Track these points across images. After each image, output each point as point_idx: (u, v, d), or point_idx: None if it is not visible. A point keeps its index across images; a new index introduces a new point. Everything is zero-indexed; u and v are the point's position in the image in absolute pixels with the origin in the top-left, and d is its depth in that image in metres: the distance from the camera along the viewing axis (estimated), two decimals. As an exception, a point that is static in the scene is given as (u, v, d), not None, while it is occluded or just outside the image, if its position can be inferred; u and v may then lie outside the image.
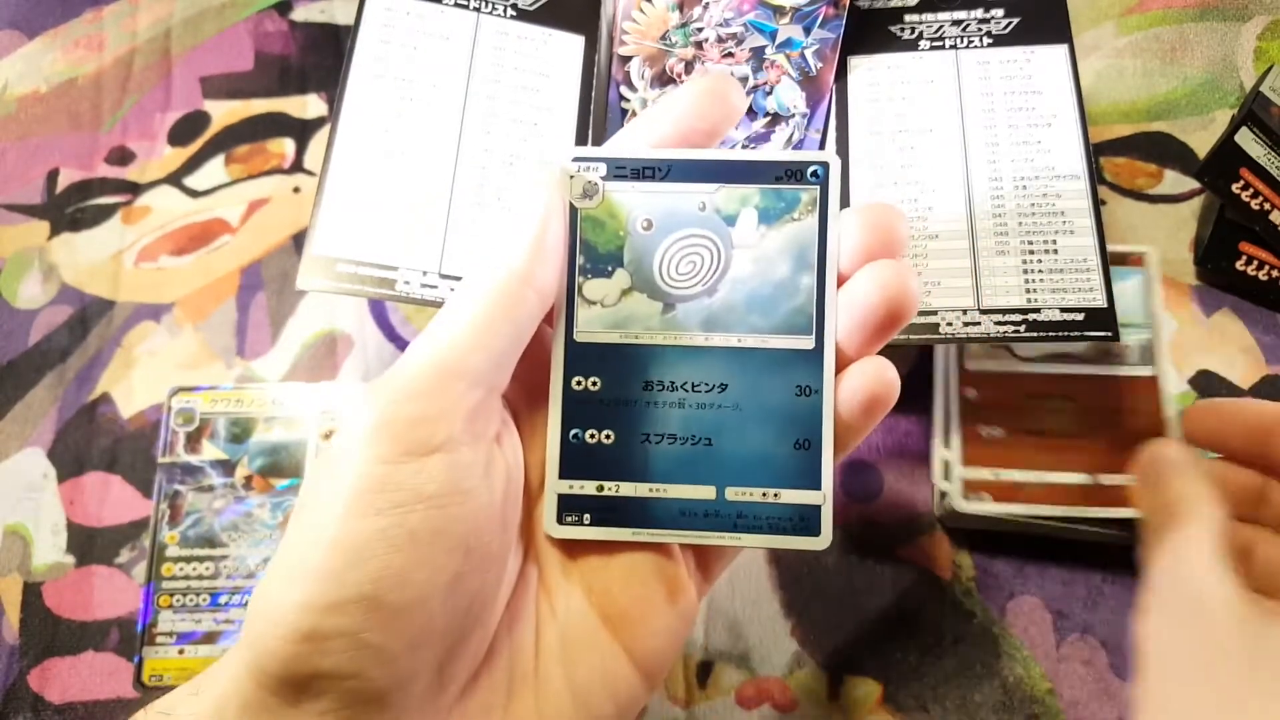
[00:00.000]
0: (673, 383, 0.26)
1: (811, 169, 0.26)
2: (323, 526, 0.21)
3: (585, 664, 0.25)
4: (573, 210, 0.26)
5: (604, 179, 0.26)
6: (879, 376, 0.25)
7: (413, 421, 0.22)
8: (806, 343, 0.25)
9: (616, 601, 0.26)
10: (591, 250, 0.26)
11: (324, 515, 0.21)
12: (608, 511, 0.26)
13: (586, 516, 0.26)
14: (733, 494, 0.26)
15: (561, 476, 0.26)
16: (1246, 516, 0.32)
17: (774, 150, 0.27)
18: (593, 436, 0.26)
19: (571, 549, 0.26)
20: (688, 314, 0.26)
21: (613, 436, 0.26)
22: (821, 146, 0.42)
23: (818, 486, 0.25)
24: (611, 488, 0.26)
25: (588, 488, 0.26)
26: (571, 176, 0.26)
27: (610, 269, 0.26)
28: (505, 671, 0.25)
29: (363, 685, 0.21)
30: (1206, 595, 0.25)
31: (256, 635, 0.21)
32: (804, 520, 0.25)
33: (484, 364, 0.23)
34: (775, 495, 0.26)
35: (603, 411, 0.26)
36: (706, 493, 0.26)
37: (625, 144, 0.26)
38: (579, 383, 0.26)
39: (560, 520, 0.26)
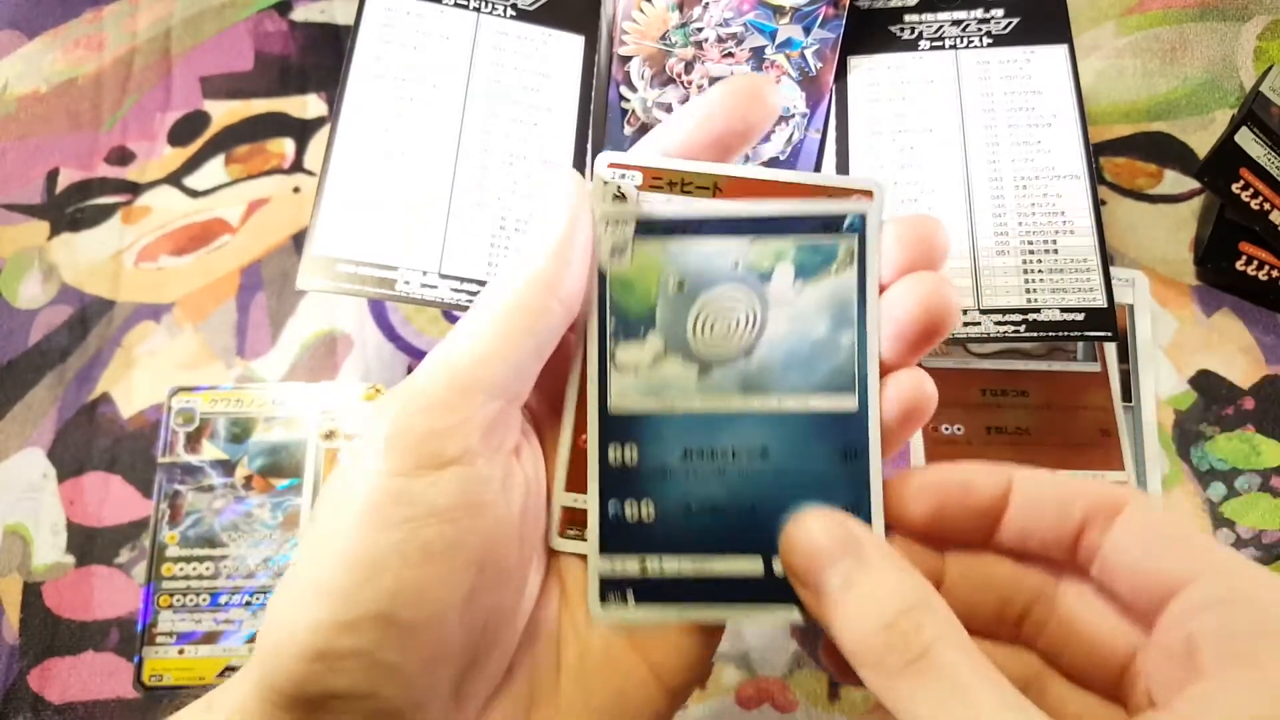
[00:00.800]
0: (713, 450, 0.24)
1: (849, 220, 0.24)
2: (335, 542, 0.20)
3: (609, 683, 0.24)
4: (600, 276, 0.25)
5: (639, 189, 0.25)
6: (917, 389, 0.24)
7: (427, 434, 0.21)
8: (849, 403, 0.24)
9: None
10: (622, 313, 0.25)
11: (336, 530, 0.21)
12: (653, 590, 0.24)
13: (630, 596, 0.24)
14: (779, 566, 0.24)
15: (603, 552, 0.24)
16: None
17: (808, 203, 0.25)
18: (632, 510, 0.25)
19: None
20: (725, 377, 0.24)
21: (653, 509, 0.25)
22: (821, 146, 0.42)
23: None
24: (655, 565, 0.24)
25: (630, 566, 0.24)
26: (605, 183, 0.25)
27: (643, 332, 0.25)
28: (526, 690, 0.24)
29: (378, 705, 0.20)
30: None
31: (269, 653, 0.20)
32: None
33: (504, 376, 0.22)
34: None
35: (642, 484, 0.25)
36: (753, 565, 0.24)
37: (656, 148, 0.25)
38: (616, 454, 0.25)
39: (604, 600, 0.24)
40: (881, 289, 0.25)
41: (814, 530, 0.22)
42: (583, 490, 0.25)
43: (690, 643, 0.25)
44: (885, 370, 0.25)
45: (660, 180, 0.25)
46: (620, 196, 0.25)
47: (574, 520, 0.25)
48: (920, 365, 0.25)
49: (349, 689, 0.20)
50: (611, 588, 0.24)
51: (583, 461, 0.25)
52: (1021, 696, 0.19)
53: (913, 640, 0.20)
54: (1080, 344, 0.43)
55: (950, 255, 0.25)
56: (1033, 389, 0.41)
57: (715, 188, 0.25)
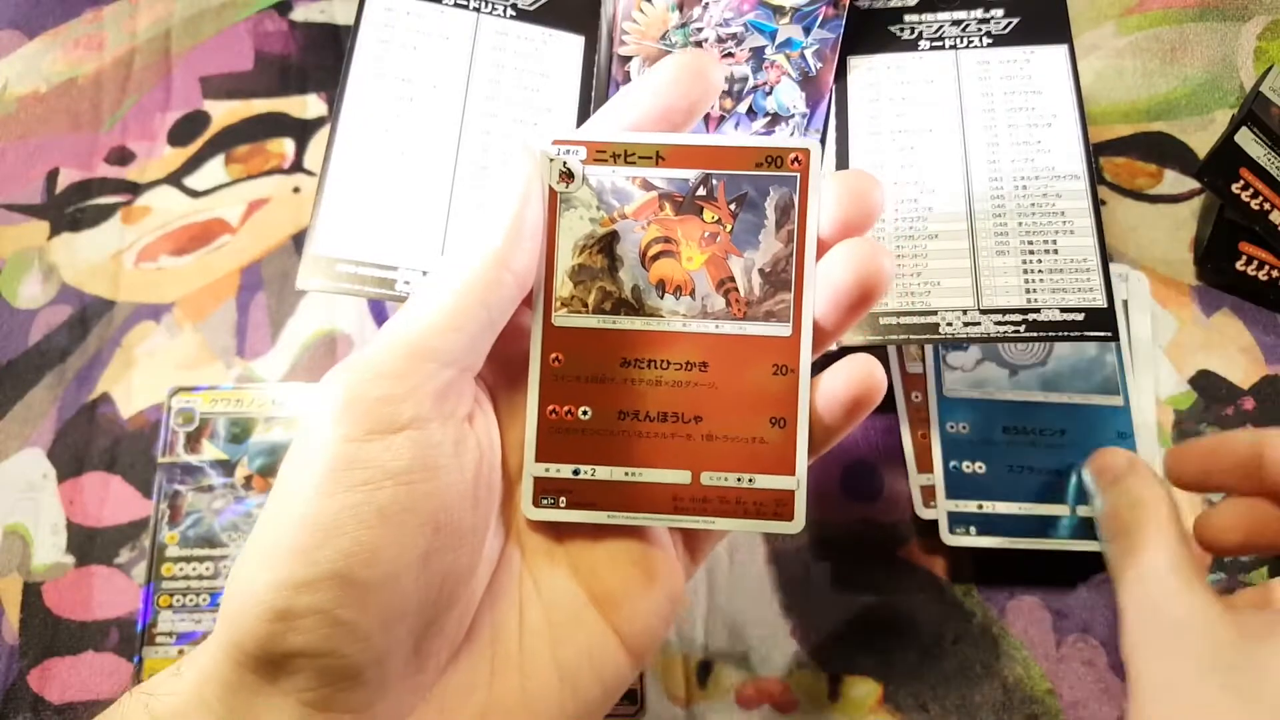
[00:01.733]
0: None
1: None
2: (293, 505, 0.21)
3: (572, 643, 0.25)
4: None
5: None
6: (865, 376, 0.25)
7: (380, 400, 0.22)
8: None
9: (604, 581, 0.26)
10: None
11: (294, 495, 0.21)
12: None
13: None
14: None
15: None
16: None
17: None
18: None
19: (556, 529, 0.26)
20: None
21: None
22: (821, 146, 0.42)
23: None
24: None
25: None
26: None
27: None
28: (488, 651, 0.25)
29: (337, 663, 0.21)
30: (1182, 618, 0.25)
31: (233, 615, 0.21)
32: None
33: (456, 345, 0.23)
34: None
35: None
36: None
37: (603, 125, 0.26)
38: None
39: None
40: (821, 246, 0.26)
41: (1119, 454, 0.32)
42: (554, 460, 0.26)
43: (652, 604, 0.26)
44: (823, 336, 0.26)
45: (604, 153, 0.26)
46: (567, 172, 0.26)
47: (547, 489, 0.26)
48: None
49: (308, 647, 0.21)
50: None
51: (551, 432, 0.26)
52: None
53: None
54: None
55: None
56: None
57: (658, 157, 0.26)
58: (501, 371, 0.27)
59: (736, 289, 0.26)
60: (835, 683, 0.40)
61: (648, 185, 0.26)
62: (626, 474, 0.26)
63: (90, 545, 0.43)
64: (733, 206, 0.26)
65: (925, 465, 0.41)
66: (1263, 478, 0.29)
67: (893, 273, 0.25)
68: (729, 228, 0.26)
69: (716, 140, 0.27)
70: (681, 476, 0.26)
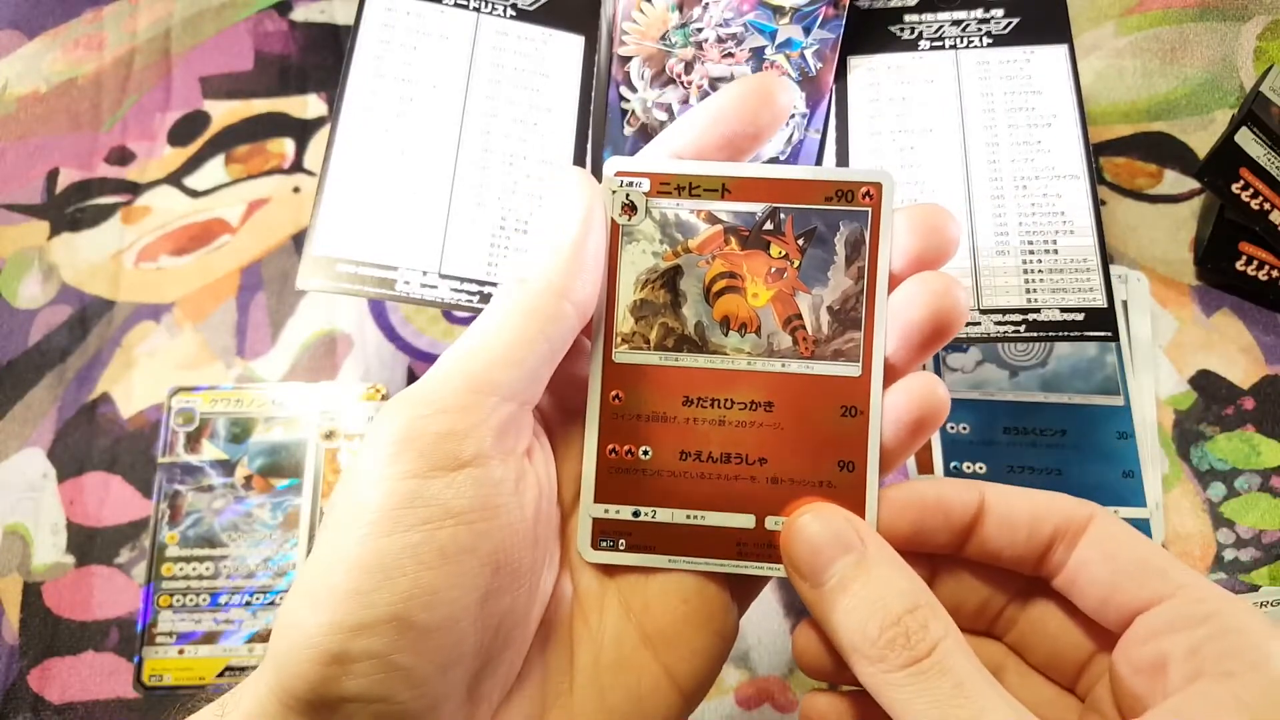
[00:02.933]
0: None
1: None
2: (348, 544, 0.20)
3: (623, 684, 0.24)
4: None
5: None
6: (928, 395, 0.24)
7: (441, 435, 0.21)
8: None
9: (656, 620, 0.25)
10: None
11: (349, 533, 0.20)
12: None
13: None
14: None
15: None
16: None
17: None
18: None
19: (608, 567, 0.26)
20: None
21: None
22: (821, 146, 0.42)
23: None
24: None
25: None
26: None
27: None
28: (539, 691, 0.24)
29: (392, 709, 0.20)
30: None
31: (282, 657, 0.20)
32: None
33: (517, 378, 0.22)
34: None
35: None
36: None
37: (665, 152, 0.26)
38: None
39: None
40: (892, 280, 0.25)
41: (815, 526, 0.23)
42: (614, 501, 0.25)
43: (704, 643, 0.25)
44: (893, 373, 0.25)
45: (668, 185, 0.25)
46: (630, 205, 0.25)
47: (606, 531, 0.25)
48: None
49: (363, 692, 0.20)
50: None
51: (611, 472, 0.25)
52: (1018, 704, 0.20)
53: (918, 640, 0.21)
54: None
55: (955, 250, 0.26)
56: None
57: (724, 189, 0.25)
58: (557, 404, 0.26)
59: (804, 327, 0.25)
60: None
61: (713, 219, 0.25)
62: (688, 517, 0.25)
63: (90, 545, 0.43)
64: (801, 242, 0.25)
65: (926, 466, 0.41)
66: (969, 542, 0.24)
67: (967, 305, 0.24)
68: (797, 264, 0.25)
69: (785, 173, 0.25)
70: (745, 521, 0.25)
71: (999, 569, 0.25)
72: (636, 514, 0.25)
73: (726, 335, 0.25)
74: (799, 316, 0.25)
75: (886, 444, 0.25)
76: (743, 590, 0.27)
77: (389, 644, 0.20)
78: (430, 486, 0.21)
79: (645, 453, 0.25)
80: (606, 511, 0.25)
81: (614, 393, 0.25)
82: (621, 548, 0.25)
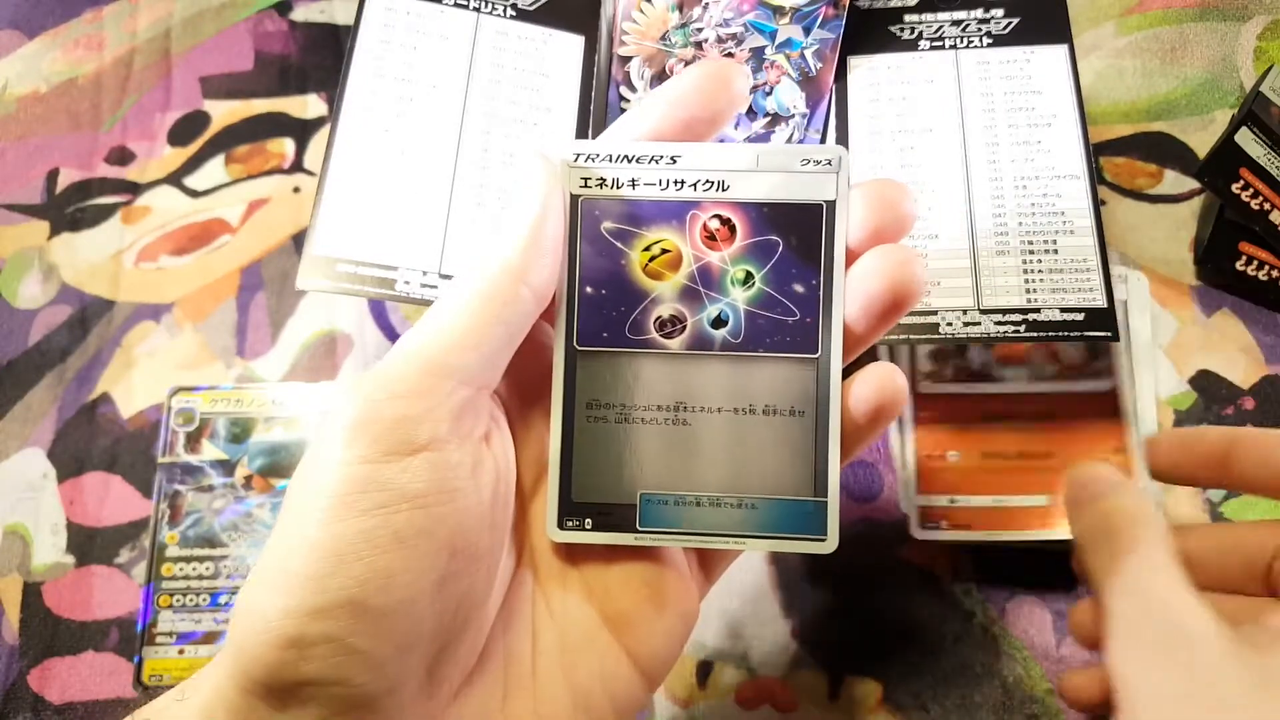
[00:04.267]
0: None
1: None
2: (305, 529, 0.20)
3: (585, 665, 0.25)
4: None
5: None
6: (887, 384, 0.25)
7: (397, 420, 0.21)
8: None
9: (617, 602, 0.25)
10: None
11: (306, 517, 0.21)
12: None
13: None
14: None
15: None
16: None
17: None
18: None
19: (570, 551, 0.26)
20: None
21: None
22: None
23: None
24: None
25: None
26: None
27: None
28: (500, 674, 0.24)
29: (350, 691, 0.20)
30: (1186, 627, 0.23)
31: (241, 641, 0.21)
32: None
33: (474, 363, 0.22)
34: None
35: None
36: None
37: (623, 134, 0.26)
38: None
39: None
40: (850, 255, 0.25)
41: (1101, 470, 0.27)
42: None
43: (666, 625, 0.25)
44: (852, 340, 0.25)
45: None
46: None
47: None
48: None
49: (321, 676, 0.20)
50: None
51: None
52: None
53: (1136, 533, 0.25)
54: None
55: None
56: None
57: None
58: (515, 388, 0.26)
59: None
60: (835, 683, 0.40)
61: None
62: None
63: (90, 545, 0.43)
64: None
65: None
66: (1228, 472, 0.27)
67: (924, 278, 0.24)
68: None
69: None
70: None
71: (1257, 527, 0.27)
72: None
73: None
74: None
75: (848, 428, 0.25)
76: (706, 568, 0.28)
77: (345, 627, 0.20)
78: (385, 471, 0.21)
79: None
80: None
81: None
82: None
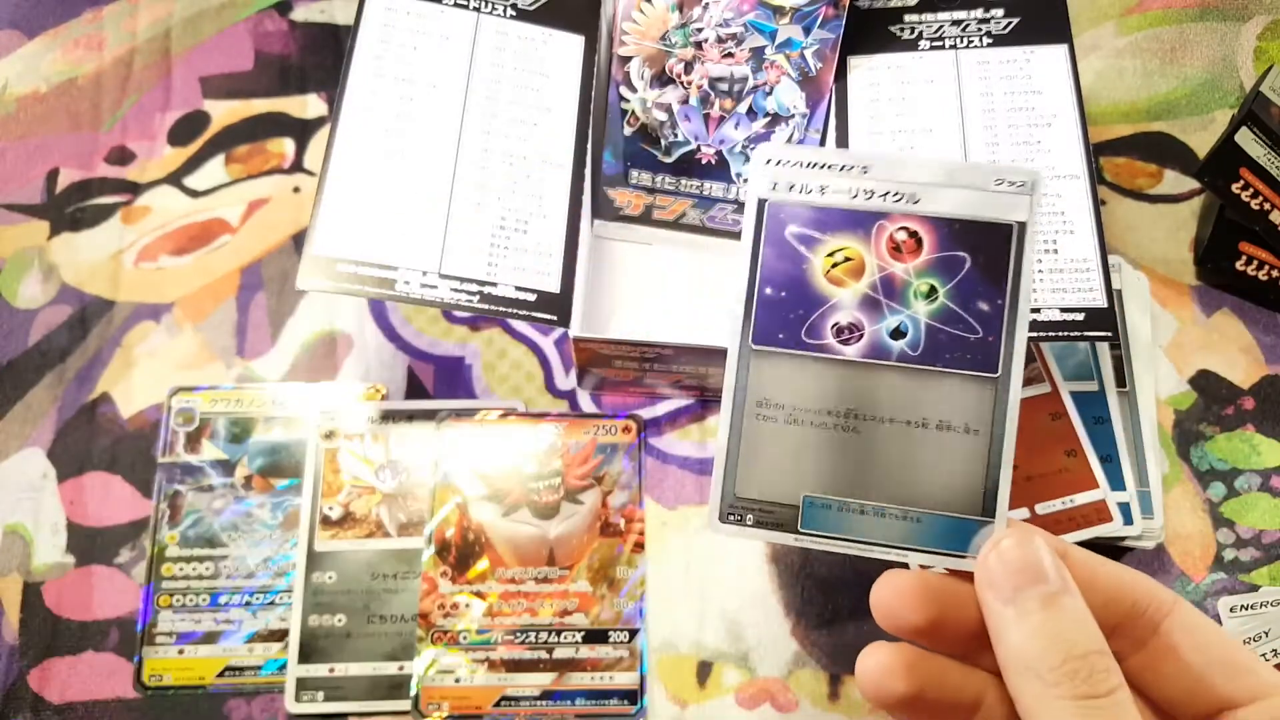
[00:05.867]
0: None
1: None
2: None
3: None
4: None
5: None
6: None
7: None
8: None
9: None
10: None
11: None
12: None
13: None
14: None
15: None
16: None
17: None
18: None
19: None
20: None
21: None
22: (821, 146, 0.42)
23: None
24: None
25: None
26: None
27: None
28: None
29: None
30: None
31: None
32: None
33: None
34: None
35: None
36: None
37: None
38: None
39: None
40: None
41: (1015, 551, 0.23)
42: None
43: None
44: None
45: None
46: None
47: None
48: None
49: None
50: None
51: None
52: None
53: (1100, 680, 0.21)
54: (1074, 360, 0.43)
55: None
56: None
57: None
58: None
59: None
60: (835, 683, 0.40)
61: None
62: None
63: (90, 545, 0.43)
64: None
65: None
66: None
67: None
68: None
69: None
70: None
71: None
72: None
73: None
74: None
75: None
76: None
77: None
78: None
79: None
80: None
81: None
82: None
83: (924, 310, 0.25)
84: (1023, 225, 0.25)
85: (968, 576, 0.24)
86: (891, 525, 0.25)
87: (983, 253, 0.25)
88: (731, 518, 0.25)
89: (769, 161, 0.26)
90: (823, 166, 0.25)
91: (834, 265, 0.25)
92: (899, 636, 0.25)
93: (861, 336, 0.25)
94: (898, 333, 0.25)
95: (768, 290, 0.26)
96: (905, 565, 0.25)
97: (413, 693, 0.40)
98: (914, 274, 0.25)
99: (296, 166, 0.50)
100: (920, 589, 0.24)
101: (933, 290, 0.25)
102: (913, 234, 0.25)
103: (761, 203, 0.26)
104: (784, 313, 0.25)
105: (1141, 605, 0.23)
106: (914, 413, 0.25)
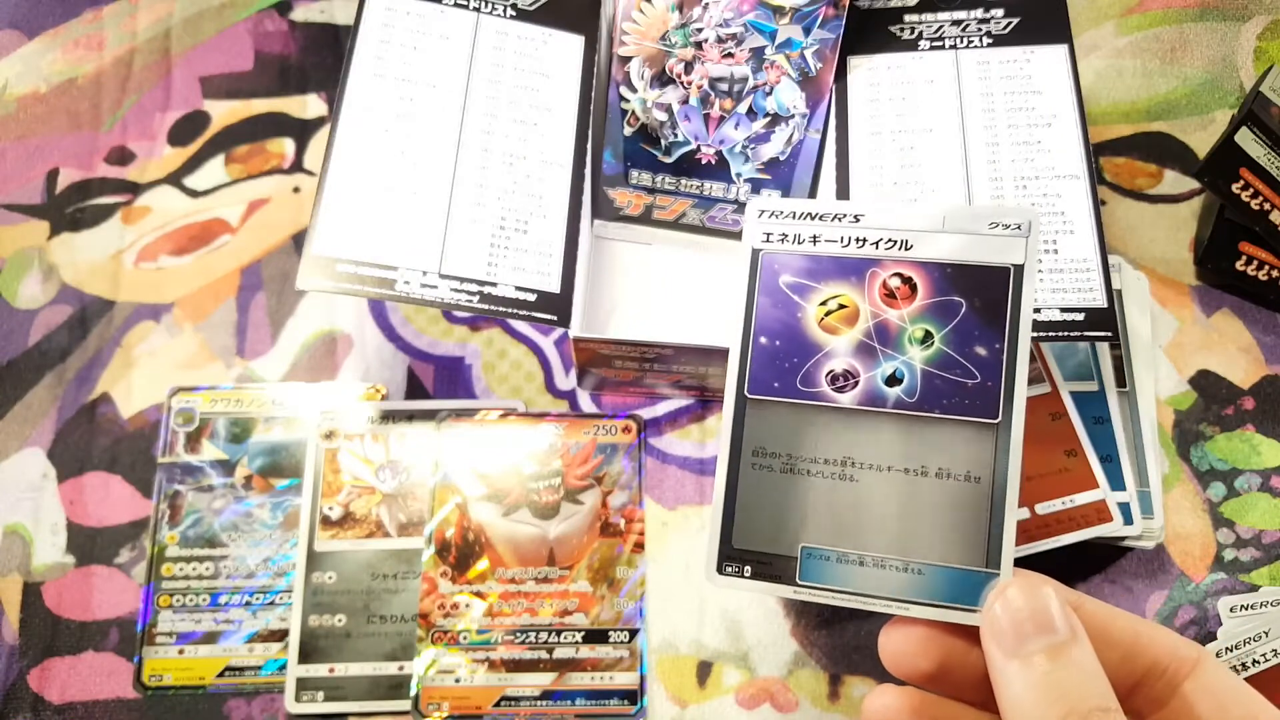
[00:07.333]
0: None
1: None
2: None
3: None
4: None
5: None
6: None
7: None
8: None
9: None
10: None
11: None
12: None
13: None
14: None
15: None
16: None
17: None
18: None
19: None
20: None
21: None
22: (821, 146, 0.42)
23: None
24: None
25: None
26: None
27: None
28: None
29: None
30: None
31: None
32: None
33: None
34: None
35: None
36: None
37: None
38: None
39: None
40: None
41: (1026, 598, 0.22)
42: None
43: None
44: None
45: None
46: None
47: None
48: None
49: None
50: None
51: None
52: None
53: None
54: (1074, 361, 0.43)
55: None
56: None
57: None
58: None
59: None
60: (835, 683, 0.40)
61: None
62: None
63: (90, 545, 0.43)
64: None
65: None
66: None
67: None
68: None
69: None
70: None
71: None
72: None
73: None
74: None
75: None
76: None
77: None
78: None
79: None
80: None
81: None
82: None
83: (920, 356, 0.25)
84: (1019, 268, 0.25)
85: (974, 631, 0.23)
86: (892, 577, 0.24)
87: (979, 297, 0.25)
88: (729, 569, 0.25)
89: (762, 214, 0.26)
90: (815, 217, 0.26)
91: (827, 313, 0.25)
92: (907, 681, 0.24)
93: (857, 384, 0.25)
94: (893, 379, 0.25)
95: (762, 339, 0.26)
96: None
97: (413, 693, 0.40)
98: (909, 320, 0.25)
99: (296, 166, 0.50)
100: (929, 636, 0.24)
101: (928, 335, 0.25)
102: (906, 280, 0.25)
103: (755, 253, 0.26)
104: (779, 361, 0.25)
105: (1162, 664, 0.22)
106: (912, 461, 0.25)
